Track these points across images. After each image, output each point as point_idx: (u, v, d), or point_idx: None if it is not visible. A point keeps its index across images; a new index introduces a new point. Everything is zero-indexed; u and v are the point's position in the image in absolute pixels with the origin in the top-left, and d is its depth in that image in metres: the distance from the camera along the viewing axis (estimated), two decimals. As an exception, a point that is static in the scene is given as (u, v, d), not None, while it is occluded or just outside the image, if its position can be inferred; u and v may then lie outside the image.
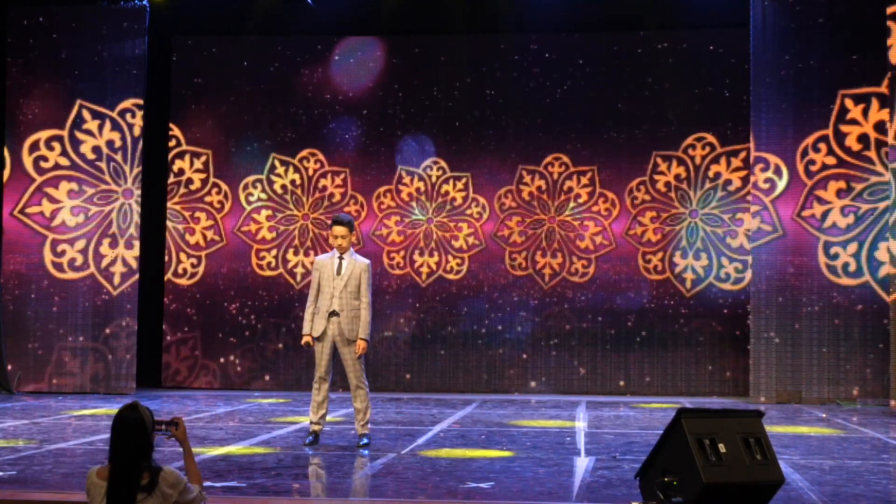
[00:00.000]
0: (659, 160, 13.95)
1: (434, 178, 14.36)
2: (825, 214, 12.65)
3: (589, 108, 14.13)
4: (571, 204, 14.09)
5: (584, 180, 14.10)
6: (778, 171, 12.76)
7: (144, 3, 13.51)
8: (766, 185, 12.78)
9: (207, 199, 14.49)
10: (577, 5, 13.93)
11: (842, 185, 12.59)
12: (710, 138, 13.83)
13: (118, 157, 13.49)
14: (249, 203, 14.49)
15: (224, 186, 14.49)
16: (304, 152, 14.48)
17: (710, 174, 13.80)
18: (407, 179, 14.40)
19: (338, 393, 11.55)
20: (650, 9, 13.75)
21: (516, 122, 14.24)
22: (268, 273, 14.45)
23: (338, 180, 14.44)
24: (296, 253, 14.45)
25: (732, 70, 13.72)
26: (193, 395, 13.31)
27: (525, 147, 14.22)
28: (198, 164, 14.51)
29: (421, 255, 14.31)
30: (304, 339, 8.43)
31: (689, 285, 13.82)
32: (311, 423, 8.48)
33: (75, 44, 13.63)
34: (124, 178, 13.47)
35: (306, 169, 14.50)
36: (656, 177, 13.94)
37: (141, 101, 13.51)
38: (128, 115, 13.53)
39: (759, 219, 12.79)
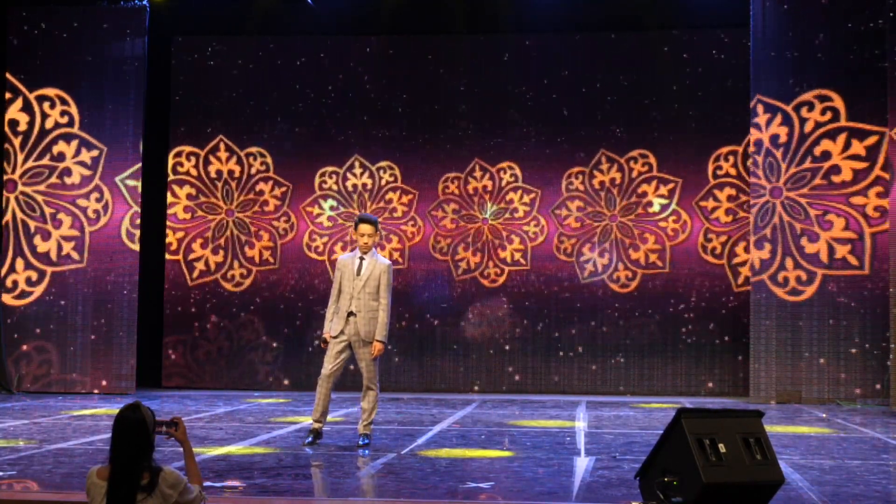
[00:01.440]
0: (604, 158, 14.05)
1: (383, 182, 14.34)
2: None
3: (586, 109, 14.15)
4: (507, 214, 14.19)
5: (527, 199, 14.17)
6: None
7: (144, 3, 13.51)
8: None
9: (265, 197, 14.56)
10: (577, 5, 13.93)
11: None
12: (651, 158, 13.98)
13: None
14: (175, 173, 14.52)
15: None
16: (253, 149, 14.50)
17: (639, 191, 13.98)
18: (359, 171, 14.39)
19: (338, 393, 11.54)
20: (650, 9, 13.74)
21: (507, 122, 14.30)
22: (168, 256, 14.51)
23: (278, 191, 14.44)
24: (203, 246, 14.43)
25: (732, 70, 13.73)
26: (193, 395, 13.31)
27: (492, 147, 14.29)
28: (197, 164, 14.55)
29: (343, 249, 14.31)
30: (323, 339, 8.42)
31: (586, 275, 13.97)
32: (313, 421, 8.48)
33: (75, 44, 13.63)
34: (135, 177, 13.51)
35: (250, 166, 14.50)
36: (595, 172, 14.10)
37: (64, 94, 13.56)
38: (46, 104, 13.57)
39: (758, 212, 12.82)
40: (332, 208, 14.35)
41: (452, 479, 6.95)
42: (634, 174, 14.02)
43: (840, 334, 12.61)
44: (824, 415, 11.31)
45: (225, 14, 14.22)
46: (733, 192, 13.84)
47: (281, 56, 14.56)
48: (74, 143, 13.54)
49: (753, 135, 12.85)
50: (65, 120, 13.55)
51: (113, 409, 11.14)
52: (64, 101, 13.57)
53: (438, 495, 6.41)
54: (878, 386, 12.42)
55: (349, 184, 14.41)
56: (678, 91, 13.96)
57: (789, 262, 12.71)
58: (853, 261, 12.59)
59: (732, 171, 13.82)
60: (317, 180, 14.42)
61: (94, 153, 13.49)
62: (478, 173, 14.29)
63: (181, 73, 14.67)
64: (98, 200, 13.46)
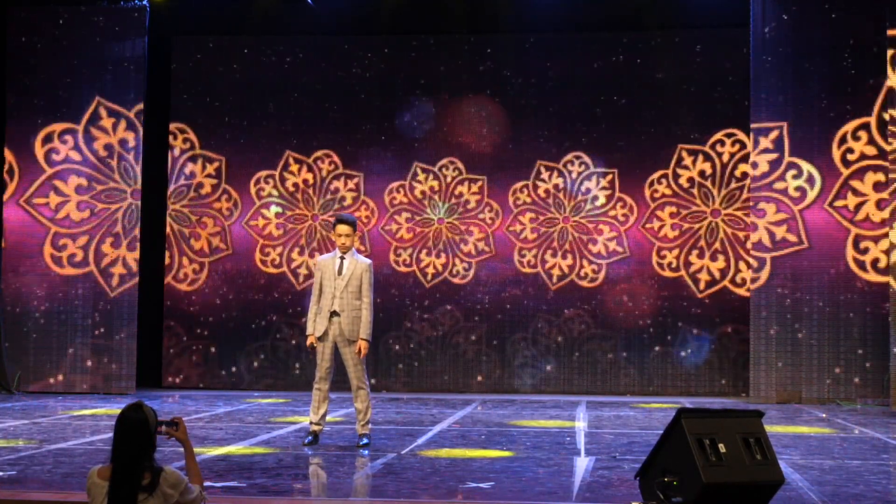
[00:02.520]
0: (542, 168, 14.20)
1: (335, 187, 14.34)
2: (858, 207, 12.65)
3: (582, 110, 14.17)
4: (458, 213, 14.27)
5: (475, 187, 14.26)
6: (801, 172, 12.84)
7: (144, 3, 13.51)
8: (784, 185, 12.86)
9: (216, 204, 14.48)
10: (577, 5, 13.92)
11: (880, 177, 12.60)
12: (585, 157, 14.06)
13: (129, 157, 13.51)
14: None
15: (233, 192, 14.48)
16: (258, 149, 14.51)
17: (583, 189, 14.08)
18: (312, 162, 14.39)
19: (337, 393, 11.55)
20: (650, 9, 13.74)
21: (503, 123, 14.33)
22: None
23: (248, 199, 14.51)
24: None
25: (731, 70, 13.75)
26: (193, 395, 13.31)
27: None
28: (207, 167, 14.54)
29: (300, 253, 14.39)
30: (309, 341, 8.43)
31: (555, 280, 14.01)
32: (311, 423, 8.49)
33: (75, 44, 13.63)
34: (133, 178, 13.49)
35: (256, 167, 14.51)
36: (538, 182, 14.20)
37: (141, 107, 13.55)
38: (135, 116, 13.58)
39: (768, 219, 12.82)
40: (277, 215, 14.37)
41: (452, 479, 6.95)
42: (574, 175, 14.09)
43: (840, 334, 12.61)
44: (824, 415, 11.31)
45: (225, 14, 14.22)
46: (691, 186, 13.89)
47: (281, 56, 14.55)
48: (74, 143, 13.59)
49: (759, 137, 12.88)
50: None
51: (113, 409, 11.15)
52: (67, 103, 13.62)
53: (438, 495, 6.41)
54: (878, 386, 12.42)
55: (290, 182, 14.39)
56: (676, 90, 13.97)
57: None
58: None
59: (871, 151, 12.94)
60: (281, 160, 14.39)
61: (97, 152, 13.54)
62: (448, 171, 14.30)
63: (181, 73, 14.67)
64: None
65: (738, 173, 13.75)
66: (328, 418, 9.23)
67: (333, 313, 8.33)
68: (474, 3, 14.04)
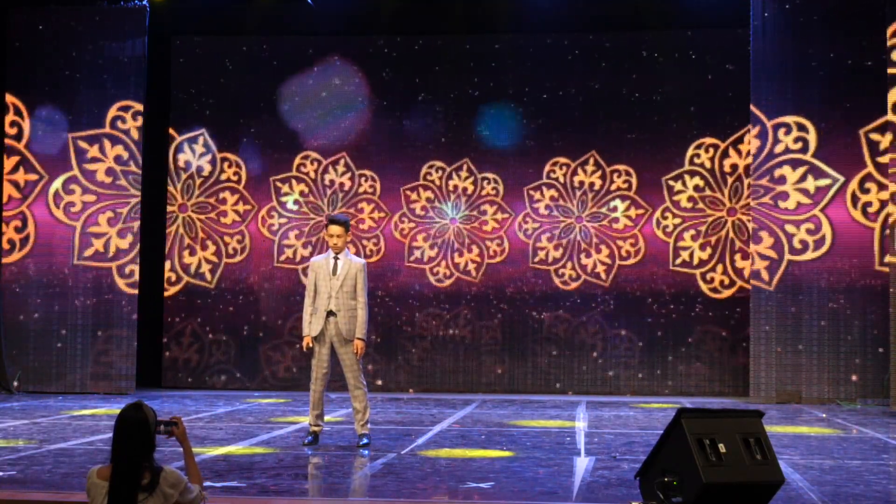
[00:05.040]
0: (471, 166, 14.28)
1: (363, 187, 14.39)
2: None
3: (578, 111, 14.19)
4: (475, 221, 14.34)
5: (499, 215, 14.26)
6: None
7: (144, 3, 13.51)
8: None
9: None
10: (577, 5, 13.91)
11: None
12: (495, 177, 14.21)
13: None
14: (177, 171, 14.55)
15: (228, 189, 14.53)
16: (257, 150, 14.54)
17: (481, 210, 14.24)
18: (355, 172, 14.44)
19: (338, 393, 11.55)
20: (650, 9, 13.73)
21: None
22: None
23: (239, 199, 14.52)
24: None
25: (731, 71, 13.75)
26: (193, 395, 13.31)
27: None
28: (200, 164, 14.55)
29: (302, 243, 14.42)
30: (306, 342, 8.44)
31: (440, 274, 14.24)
32: (311, 423, 8.49)
33: (75, 44, 13.62)
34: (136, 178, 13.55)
35: (256, 168, 14.52)
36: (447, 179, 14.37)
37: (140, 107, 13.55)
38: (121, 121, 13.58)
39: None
40: (295, 202, 14.38)
41: (452, 479, 6.95)
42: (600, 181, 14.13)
43: (840, 334, 12.61)
44: (824, 415, 11.32)
45: (225, 14, 14.22)
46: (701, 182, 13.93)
47: (281, 56, 14.55)
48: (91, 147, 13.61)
49: (753, 142, 12.85)
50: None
51: (113, 409, 11.15)
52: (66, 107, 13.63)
53: (438, 495, 6.41)
54: (878, 386, 12.42)
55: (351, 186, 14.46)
56: (675, 91, 13.98)
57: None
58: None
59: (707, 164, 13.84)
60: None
61: (93, 154, 13.54)
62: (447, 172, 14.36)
63: (181, 73, 14.66)
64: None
65: (612, 204, 14.03)
66: (328, 418, 9.24)
67: (330, 313, 8.34)
68: (474, 3, 14.03)
